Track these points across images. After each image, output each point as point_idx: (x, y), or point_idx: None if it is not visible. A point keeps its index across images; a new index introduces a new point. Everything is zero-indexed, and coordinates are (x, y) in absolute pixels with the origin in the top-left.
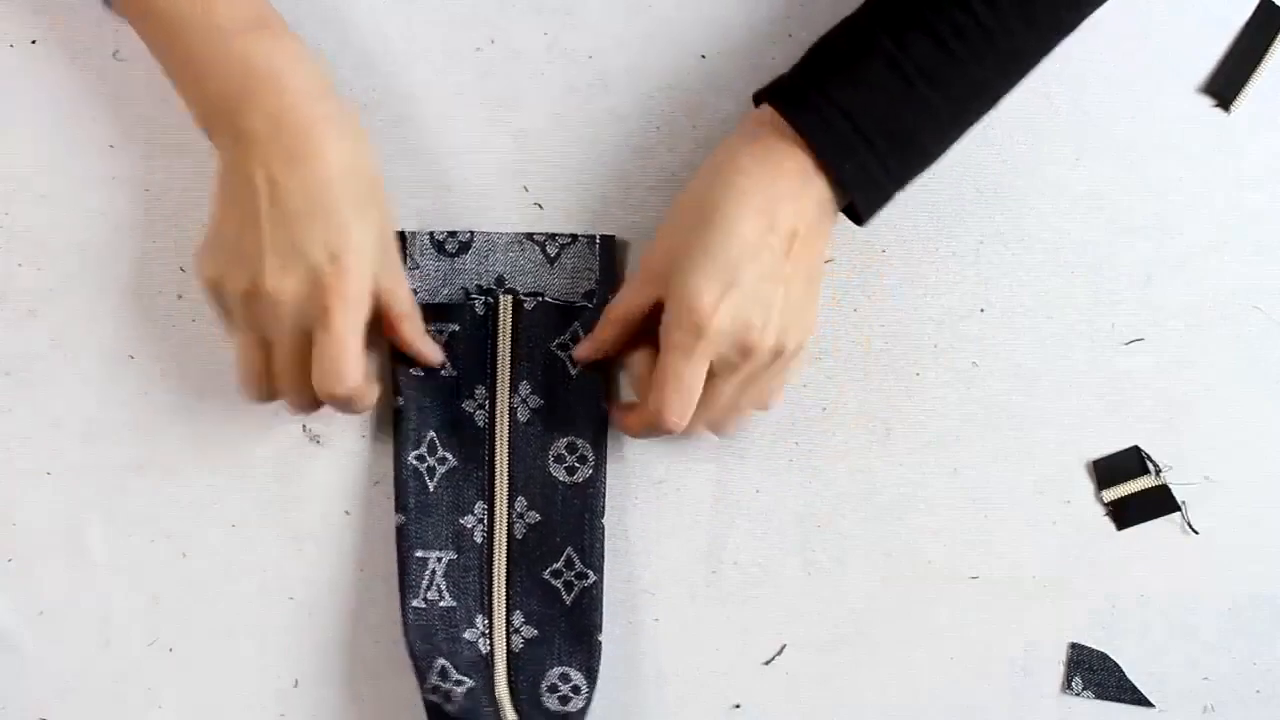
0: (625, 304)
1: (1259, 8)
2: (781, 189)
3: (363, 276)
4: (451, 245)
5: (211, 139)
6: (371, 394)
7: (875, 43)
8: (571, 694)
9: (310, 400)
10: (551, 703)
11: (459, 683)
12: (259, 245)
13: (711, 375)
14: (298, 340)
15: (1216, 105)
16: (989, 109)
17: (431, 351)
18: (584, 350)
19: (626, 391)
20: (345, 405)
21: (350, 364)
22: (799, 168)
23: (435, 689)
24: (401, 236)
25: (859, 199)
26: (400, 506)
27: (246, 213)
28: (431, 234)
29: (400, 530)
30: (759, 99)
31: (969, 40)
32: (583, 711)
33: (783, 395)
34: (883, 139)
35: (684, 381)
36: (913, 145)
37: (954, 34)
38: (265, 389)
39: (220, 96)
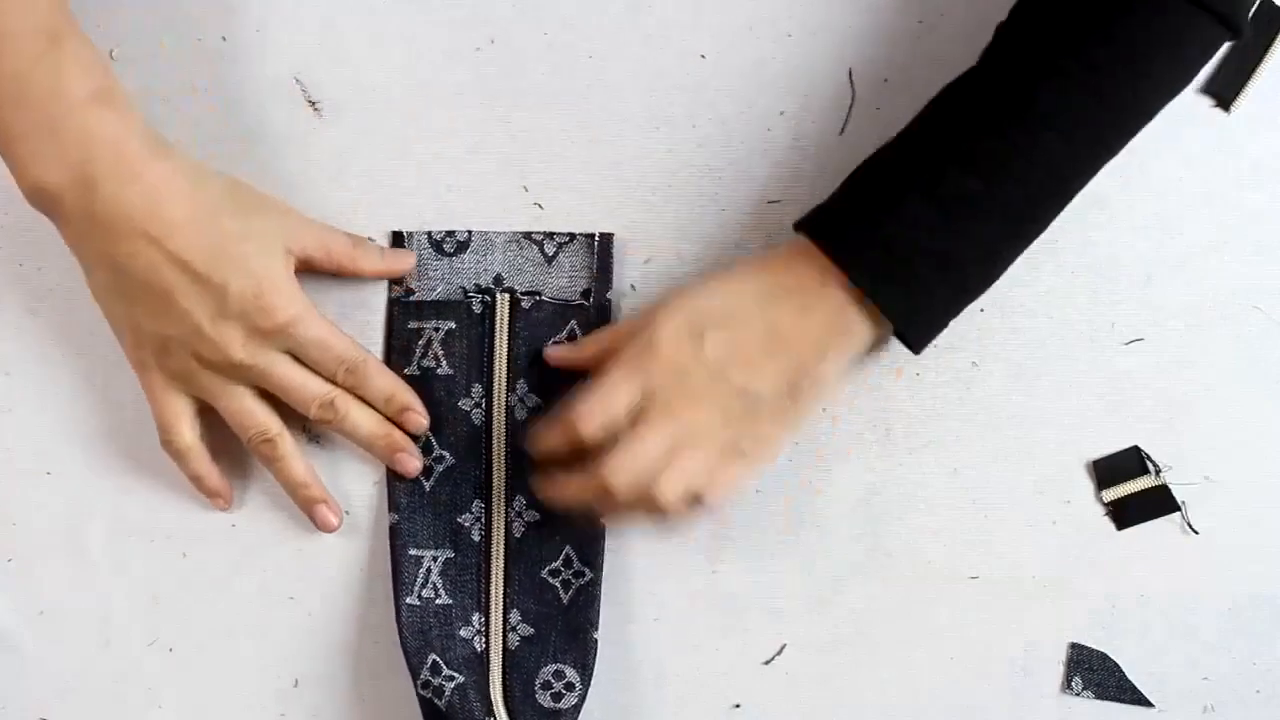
0: (616, 331)
1: (1259, 8)
2: (792, 302)
3: (293, 290)
4: (449, 245)
5: (56, 220)
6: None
7: (912, 178)
8: (565, 691)
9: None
10: (544, 700)
11: (449, 678)
12: (194, 326)
13: (652, 423)
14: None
15: (1216, 105)
16: (1041, 229)
17: (402, 261)
18: (558, 354)
19: None
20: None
21: (340, 338)
22: (830, 305)
23: (427, 684)
24: (399, 236)
25: (905, 326)
26: (393, 505)
27: (161, 302)
28: (429, 233)
29: (393, 529)
30: (798, 228)
31: (1007, 166)
32: (576, 709)
33: (720, 495)
34: (926, 268)
35: (606, 390)
36: (959, 273)
37: (990, 162)
38: (276, 441)
39: (62, 172)
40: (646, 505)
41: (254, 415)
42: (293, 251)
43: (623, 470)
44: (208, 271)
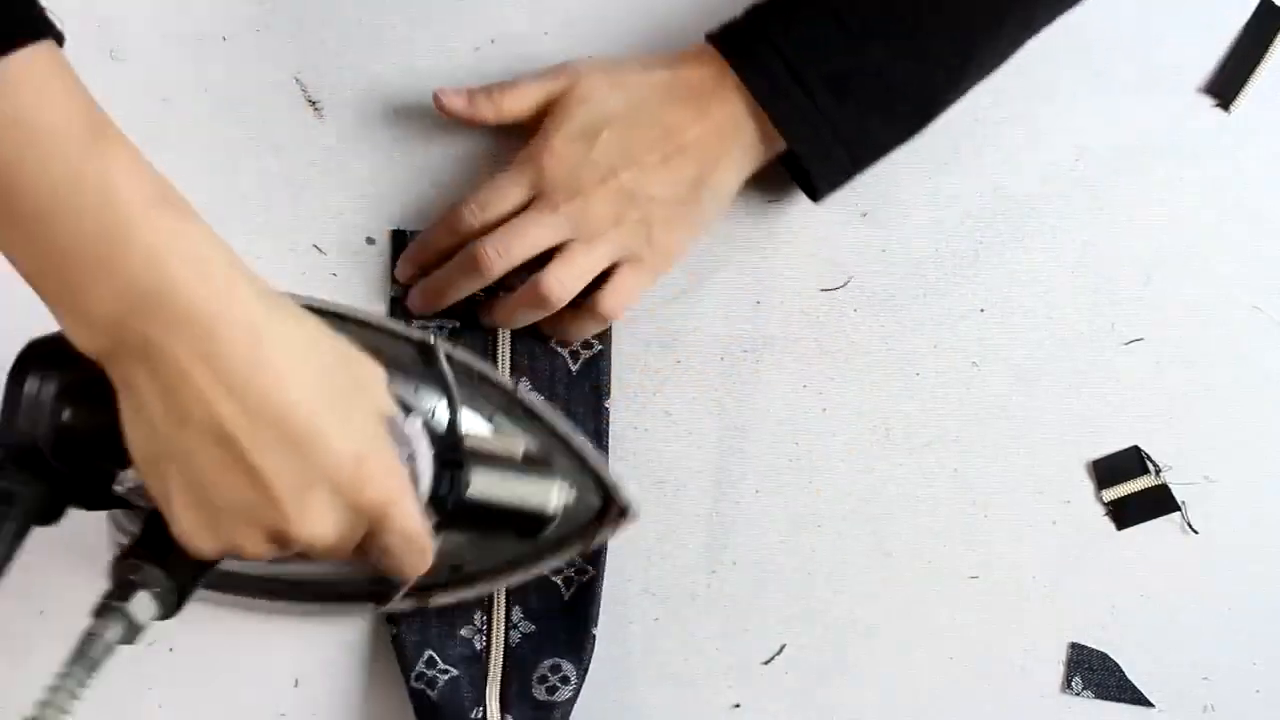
0: (518, 90)
1: (1259, 8)
2: (691, 108)
3: (394, 462)
4: None
5: (110, 367)
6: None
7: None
8: (560, 684)
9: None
10: (539, 693)
11: (444, 671)
12: (265, 493)
13: (537, 212)
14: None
15: (1216, 105)
16: (951, 87)
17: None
18: (450, 101)
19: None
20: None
21: (426, 545)
22: (728, 112)
23: (420, 676)
24: (400, 235)
25: (802, 151)
26: None
27: (225, 460)
28: None
29: None
30: (709, 38)
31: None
32: (570, 702)
33: (621, 305)
34: (822, 87)
35: (498, 184)
36: (857, 102)
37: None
38: None
39: (124, 300)
40: (532, 299)
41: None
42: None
43: (494, 244)
44: (306, 429)
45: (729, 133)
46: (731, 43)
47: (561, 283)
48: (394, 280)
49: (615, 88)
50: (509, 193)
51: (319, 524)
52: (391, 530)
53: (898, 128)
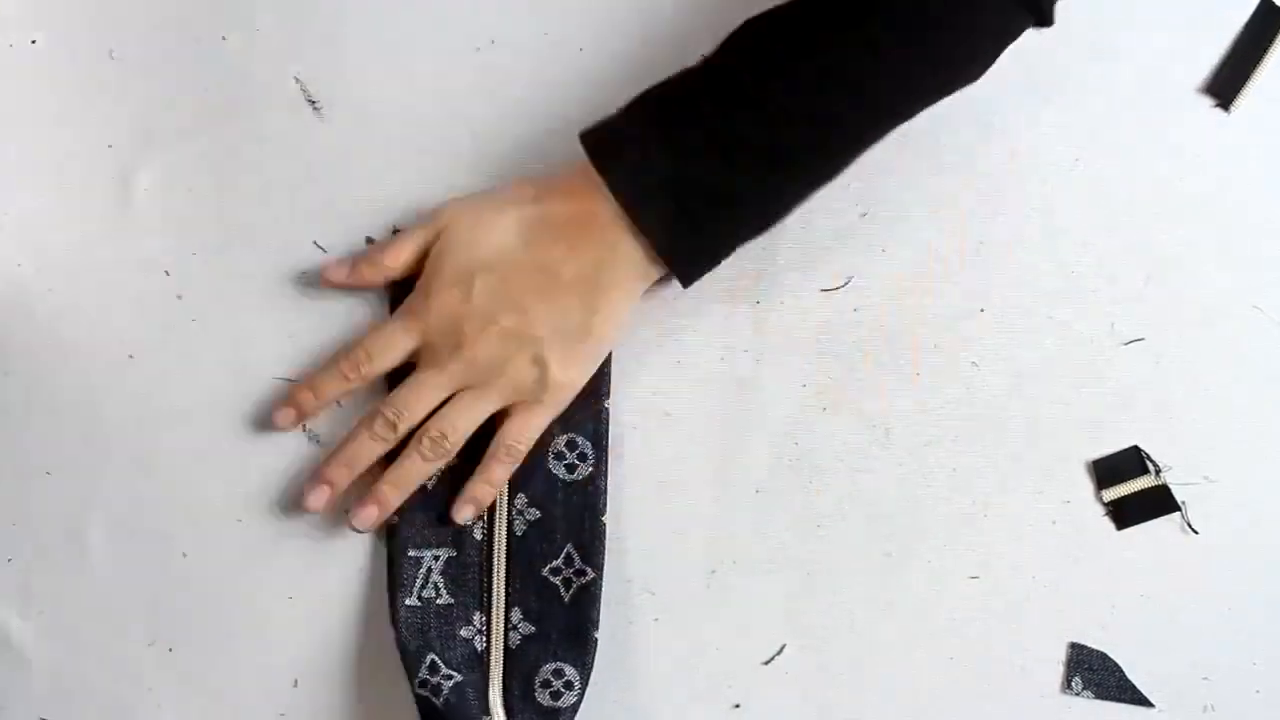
0: (398, 249)
1: (1259, 8)
2: (564, 240)
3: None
4: None
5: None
6: None
7: (698, 108)
8: (564, 689)
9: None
10: (543, 698)
11: (448, 677)
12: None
13: (424, 370)
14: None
15: (1216, 105)
16: (821, 180)
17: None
18: (334, 273)
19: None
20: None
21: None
22: (609, 239)
23: (424, 683)
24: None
25: (677, 261)
26: None
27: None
28: None
29: (392, 530)
30: (583, 138)
31: (789, 115)
32: (574, 707)
33: (523, 439)
34: (701, 205)
35: (385, 334)
36: (732, 211)
37: (775, 108)
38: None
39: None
40: (427, 447)
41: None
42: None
43: (392, 408)
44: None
45: (608, 262)
46: (607, 157)
47: (455, 428)
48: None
49: (482, 230)
50: (397, 341)
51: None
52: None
53: (751, 228)
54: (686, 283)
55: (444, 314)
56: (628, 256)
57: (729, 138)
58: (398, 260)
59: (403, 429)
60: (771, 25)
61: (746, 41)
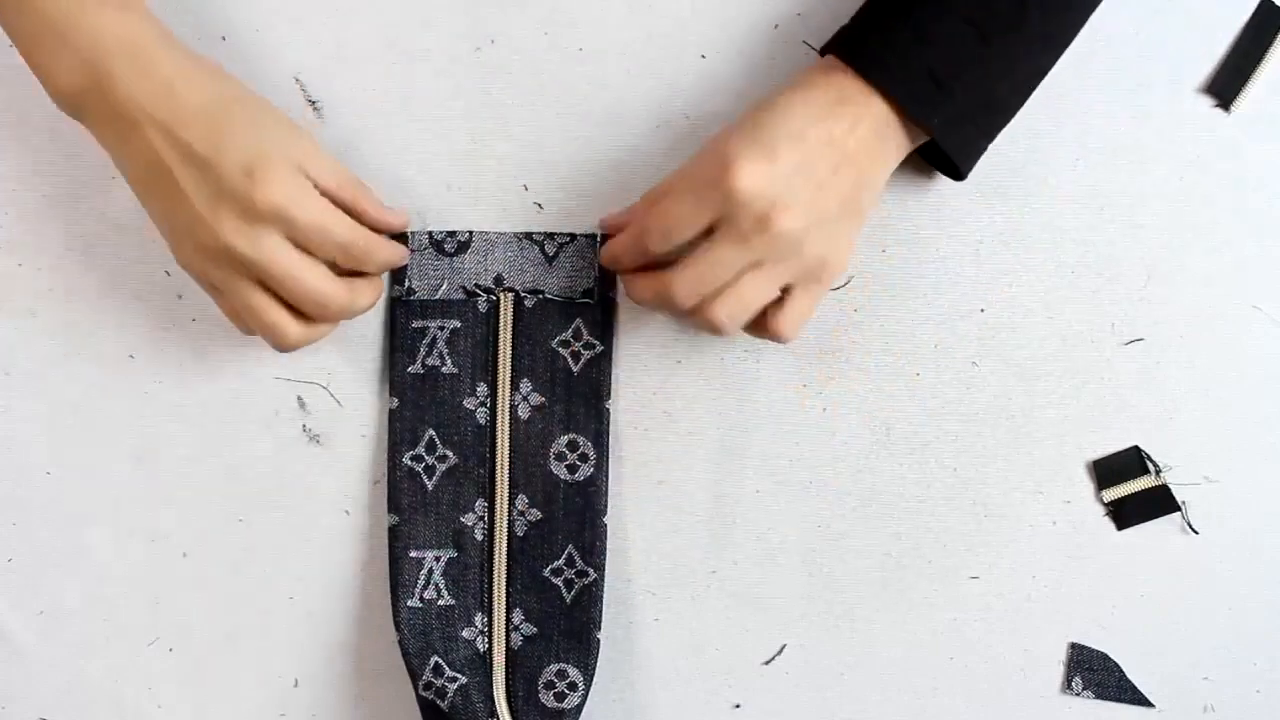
0: (664, 204)
1: (1259, 8)
2: (846, 116)
3: (291, 174)
4: (450, 245)
5: (84, 122)
6: (367, 293)
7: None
8: (568, 690)
9: (299, 332)
10: (547, 699)
11: (452, 679)
12: (193, 211)
13: (723, 245)
14: (290, 261)
15: (1216, 105)
16: (1059, 53)
17: (395, 217)
18: (612, 219)
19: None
20: (340, 311)
21: (339, 233)
22: (875, 114)
23: (429, 685)
24: (400, 235)
25: (953, 150)
26: (394, 507)
27: (168, 188)
28: (430, 233)
29: (393, 531)
30: (827, 51)
31: None
32: (578, 709)
33: (797, 325)
34: (963, 92)
35: (678, 213)
36: (993, 96)
37: None
38: (295, 328)
39: (80, 73)
40: (706, 323)
41: (264, 313)
42: (304, 168)
43: (686, 284)
44: (205, 152)
45: (884, 132)
46: (859, 55)
47: (732, 317)
48: (393, 281)
49: (775, 114)
50: (689, 223)
51: (225, 227)
52: (298, 225)
53: (1017, 97)
54: (964, 170)
55: (745, 187)
56: (897, 127)
57: (975, 10)
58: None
59: (693, 303)
60: None
61: None
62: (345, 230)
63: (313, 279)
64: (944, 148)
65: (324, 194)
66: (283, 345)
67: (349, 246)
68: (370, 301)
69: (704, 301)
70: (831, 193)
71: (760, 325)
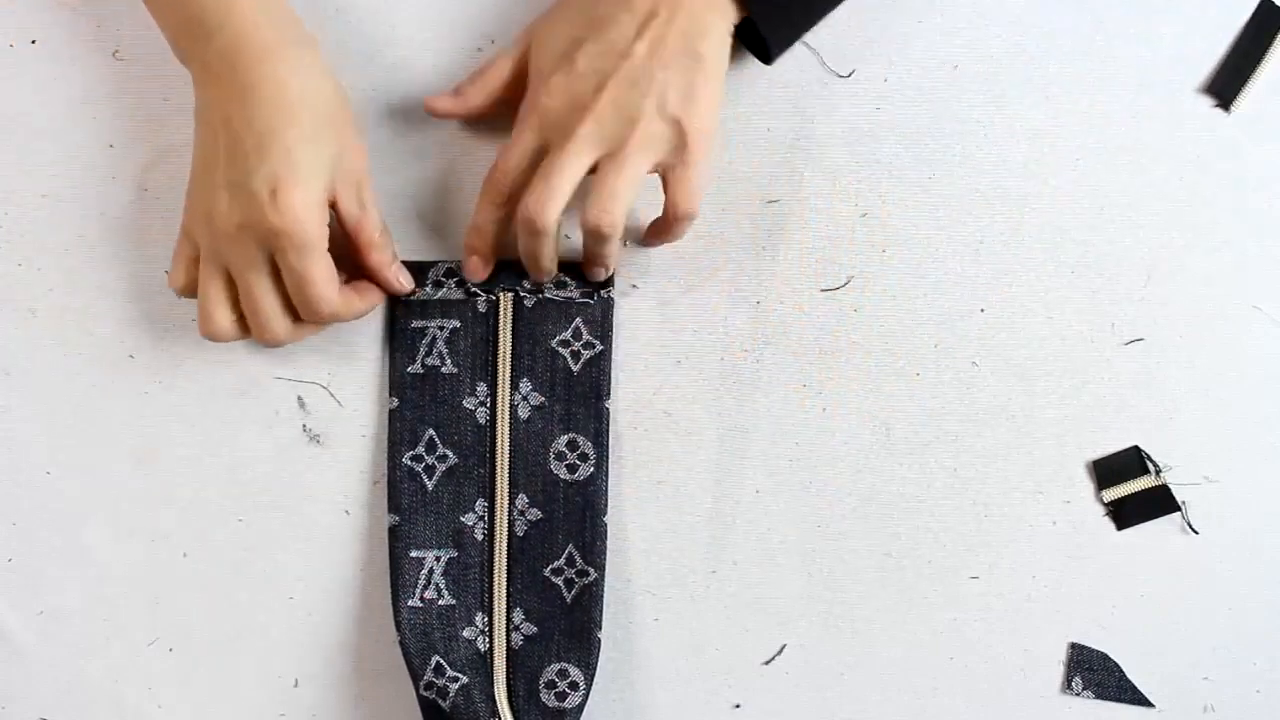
0: (492, 73)
1: (1259, 8)
2: None
3: (306, 207)
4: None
5: (190, 70)
6: (359, 304)
7: None
8: (569, 690)
9: (285, 330)
10: (549, 699)
11: (454, 679)
12: (213, 183)
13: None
14: (268, 269)
15: (1216, 105)
16: None
17: (402, 281)
18: (441, 104)
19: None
20: (333, 318)
21: (321, 289)
22: None
23: (430, 685)
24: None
25: (769, 33)
26: (394, 507)
27: (210, 153)
28: (451, 265)
29: (393, 531)
30: None
31: None
32: (579, 708)
33: (691, 196)
34: None
35: (513, 143)
36: None
37: None
38: (228, 324)
39: (185, 28)
40: (592, 237)
41: (260, 298)
42: (334, 187)
43: (534, 201)
44: (251, 148)
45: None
46: None
47: (607, 210)
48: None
49: (567, 8)
50: (525, 144)
51: (231, 221)
52: (289, 265)
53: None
54: (773, 51)
55: (560, 91)
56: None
57: None
58: (501, 74)
59: (553, 216)
60: None
61: None
62: (328, 300)
63: (275, 324)
64: (760, 30)
65: (340, 221)
66: (269, 337)
67: (313, 303)
68: (364, 310)
69: (580, 216)
70: (650, 58)
71: (659, 219)
